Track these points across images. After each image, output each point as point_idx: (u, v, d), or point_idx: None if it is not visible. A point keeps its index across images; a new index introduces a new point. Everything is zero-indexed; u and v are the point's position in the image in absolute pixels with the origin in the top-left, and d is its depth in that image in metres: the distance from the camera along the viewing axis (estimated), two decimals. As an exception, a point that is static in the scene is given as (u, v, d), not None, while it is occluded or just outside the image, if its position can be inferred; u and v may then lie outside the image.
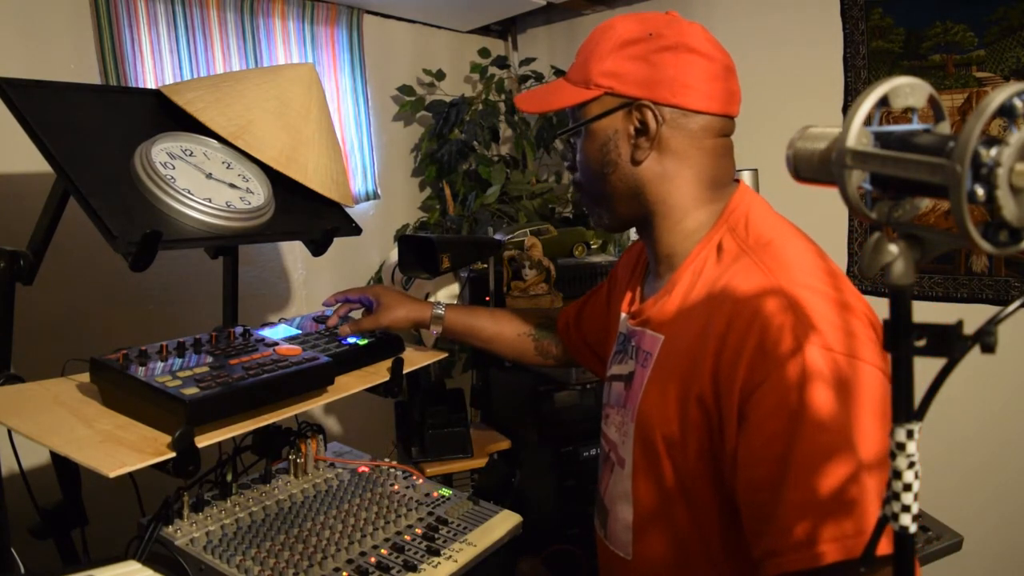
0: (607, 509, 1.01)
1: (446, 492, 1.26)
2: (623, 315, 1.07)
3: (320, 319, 1.35)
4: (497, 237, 1.83)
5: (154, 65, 1.87)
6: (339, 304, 1.36)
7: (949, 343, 0.46)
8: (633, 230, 1.20)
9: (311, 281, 2.33)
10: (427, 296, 1.74)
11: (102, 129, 1.19)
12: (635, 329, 1.00)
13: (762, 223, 0.92)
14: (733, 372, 0.80)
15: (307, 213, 1.37)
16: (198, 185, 1.20)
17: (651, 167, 0.94)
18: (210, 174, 1.24)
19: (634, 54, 0.90)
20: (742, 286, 0.84)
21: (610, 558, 1.01)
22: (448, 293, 1.84)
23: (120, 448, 0.90)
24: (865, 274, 2.14)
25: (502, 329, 1.36)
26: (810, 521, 0.71)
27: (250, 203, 1.25)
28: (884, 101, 0.50)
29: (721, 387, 0.81)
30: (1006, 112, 0.43)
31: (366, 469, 1.31)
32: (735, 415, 0.79)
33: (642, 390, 0.93)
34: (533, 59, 2.72)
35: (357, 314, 1.36)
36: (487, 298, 1.89)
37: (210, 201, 1.17)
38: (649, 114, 0.90)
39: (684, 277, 0.93)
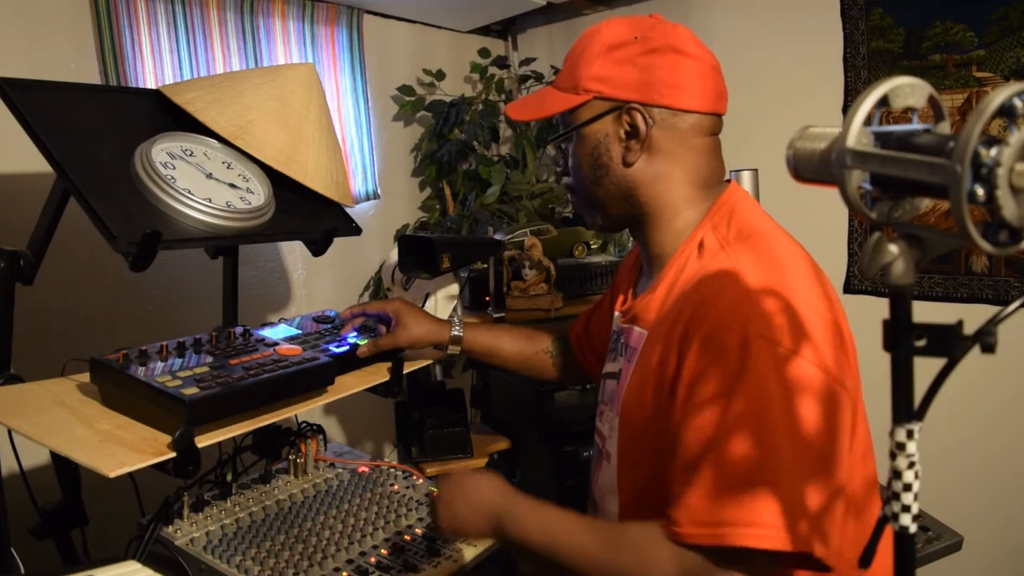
0: (596, 504, 1.03)
1: (446, 492, 1.26)
2: (616, 314, 1.09)
3: (320, 319, 1.35)
4: (497, 237, 1.82)
5: (154, 65, 1.87)
6: (353, 317, 1.30)
7: (949, 343, 0.46)
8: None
9: (311, 281, 2.33)
10: (427, 296, 1.74)
11: (102, 129, 1.19)
12: (624, 326, 1.02)
13: (745, 220, 0.93)
14: (687, 353, 0.82)
15: (307, 213, 1.37)
16: (198, 185, 1.20)
17: (642, 168, 0.94)
18: (210, 174, 1.24)
19: (621, 57, 0.92)
20: (712, 277, 0.86)
21: None
22: (448, 293, 1.84)
23: (120, 448, 0.90)
24: (865, 274, 2.13)
25: (523, 347, 1.35)
26: (714, 503, 0.74)
27: (250, 203, 1.25)
28: (884, 101, 0.50)
29: (682, 369, 0.83)
30: (1006, 112, 0.43)
31: (366, 469, 1.31)
32: (685, 394, 0.82)
33: (626, 384, 0.95)
34: (533, 59, 2.71)
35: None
36: (487, 298, 1.89)
37: (210, 201, 1.17)
38: (638, 116, 0.91)
39: (668, 274, 0.94)
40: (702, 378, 0.79)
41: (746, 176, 1.77)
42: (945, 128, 0.53)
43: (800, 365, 0.76)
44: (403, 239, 1.55)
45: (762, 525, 0.72)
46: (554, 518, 0.88)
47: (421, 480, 1.30)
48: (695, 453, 0.78)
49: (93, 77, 1.75)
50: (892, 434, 0.49)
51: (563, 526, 0.87)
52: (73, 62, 1.74)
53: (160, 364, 1.02)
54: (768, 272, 0.83)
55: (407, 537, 1.10)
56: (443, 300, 1.79)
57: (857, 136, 0.49)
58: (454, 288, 1.76)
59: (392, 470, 1.32)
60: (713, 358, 0.79)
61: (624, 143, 0.93)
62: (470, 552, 1.08)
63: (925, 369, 0.48)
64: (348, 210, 1.49)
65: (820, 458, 0.75)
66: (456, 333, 1.28)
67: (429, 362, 1.41)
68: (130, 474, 0.87)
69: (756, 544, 0.72)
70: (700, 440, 0.78)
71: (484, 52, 2.67)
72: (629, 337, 0.99)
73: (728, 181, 1.00)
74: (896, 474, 0.49)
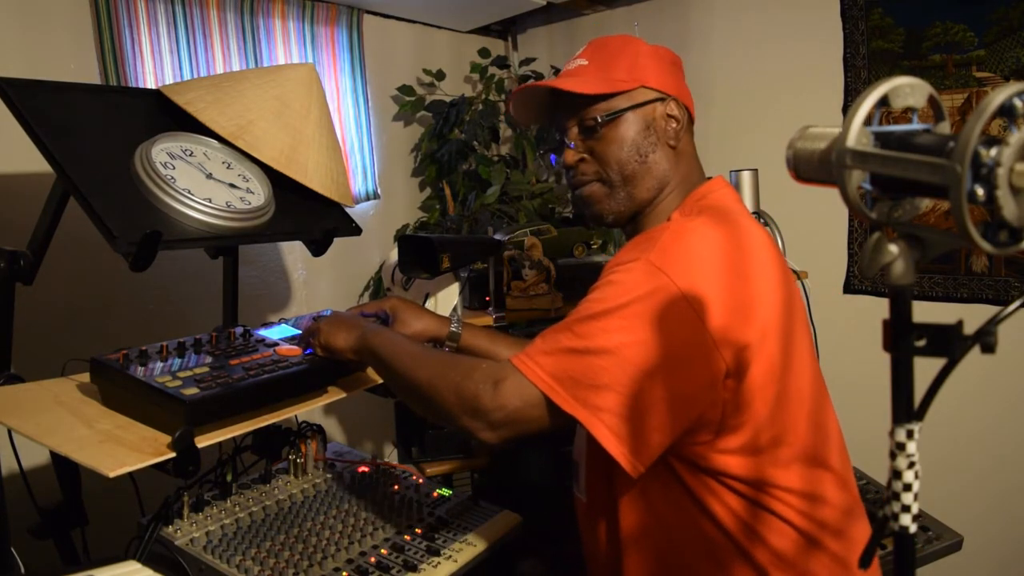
0: (577, 463, 1.09)
1: (446, 492, 1.26)
2: None
3: (321, 319, 1.35)
4: (497, 237, 1.82)
5: (154, 65, 1.87)
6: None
7: (949, 343, 0.46)
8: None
9: (311, 281, 2.33)
10: (427, 296, 1.74)
11: (102, 129, 1.19)
12: None
13: (713, 201, 1.00)
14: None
15: (307, 213, 1.37)
16: (198, 185, 1.20)
17: (678, 151, 1.05)
18: (210, 174, 1.24)
19: (660, 60, 1.05)
20: (661, 229, 0.93)
21: (578, 507, 1.10)
22: (448, 293, 1.84)
23: (120, 448, 0.90)
24: (865, 274, 2.13)
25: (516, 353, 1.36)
26: (541, 346, 0.89)
27: (250, 203, 1.25)
28: (884, 101, 0.50)
29: None
30: (1006, 112, 0.43)
31: (366, 469, 1.31)
32: None
33: None
34: (533, 59, 2.71)
35: None
36: (487, 298, 1.89)
37: (210, 201, 1.17)
38: (678, 107, 1.04)
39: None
40: (602, 275, 0.91)
41: (746, 176, 1.77)
42: (945, 128, 0.53)
43: (674, 299, 0.83)
44: (403, 239, 1.55)
45: (541, 368, 0.85)
46: (406, 340, 1.06)
47: (421, 480, 1.30)
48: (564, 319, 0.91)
49: (93, 77, 1.75)
50: (892, 434, 0.49)
51: (411, 344, 1.04)
52: (73, 62, 1.74)
53: (160, 364, 1.02)
54: (715, 237, 0.90)
55: (407, 537, 1.10)
56: (443, 300, 1.79)
57: (857, 136, 0.49)
58: (454, 288, 1.76)
59: (392, 470, 1.32)
60: (615, 262, 0.91)
61: (668, 127, 1.04)
62: (470, 552, 1.08)
63: (925, 369, 0.49)
64: (348, 210, 1.49)
65: (638, 360, 0.83)
66: (454, 330, 1.29)
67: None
68: (130, 474, 0.87)
69: (528, 376, 0.86)
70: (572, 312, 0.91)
71: (484, 52, 2.67)
72: None
73: (710, 178, 1.07)
74: (896, 474, 0.49)
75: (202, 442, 0.95)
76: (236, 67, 2.05)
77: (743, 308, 0.87)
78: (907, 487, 0.49)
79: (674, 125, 1.03)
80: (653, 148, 1.03)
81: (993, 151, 0.42)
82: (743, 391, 0.87)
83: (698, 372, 0.85)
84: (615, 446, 0.82)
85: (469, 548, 1.09)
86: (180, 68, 1.92)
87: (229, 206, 1.20)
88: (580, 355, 0.84)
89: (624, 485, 0.95)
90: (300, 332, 1.27)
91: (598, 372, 0.83)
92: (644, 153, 1.03)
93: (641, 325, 0.83)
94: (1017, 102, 0.43)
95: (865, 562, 0.52)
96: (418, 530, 1.12)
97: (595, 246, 2.11)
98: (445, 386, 0.91)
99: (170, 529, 1.02)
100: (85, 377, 1.06)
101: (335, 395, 1.17)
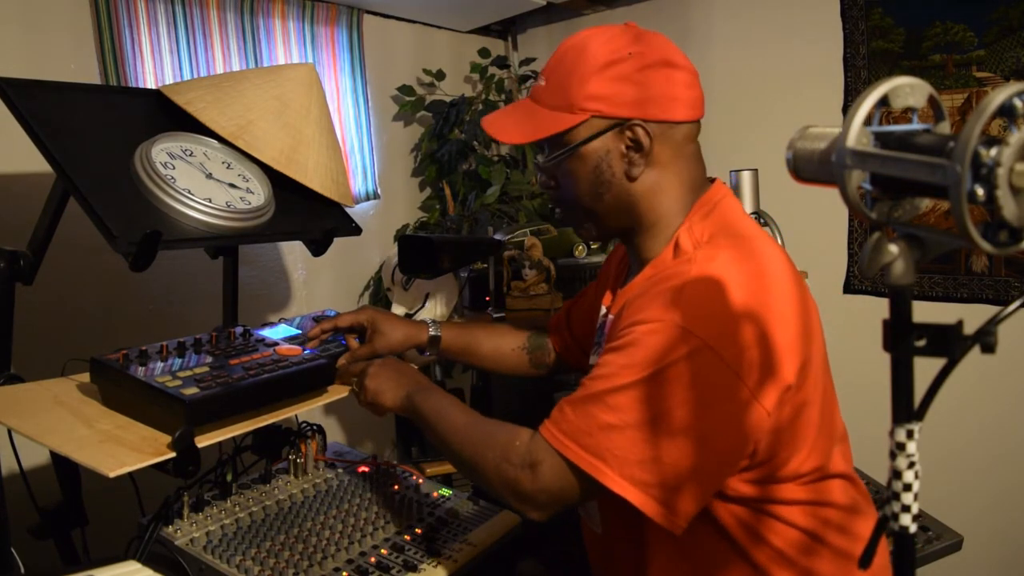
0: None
1: (446, 492, 1.26)
2: (603, 309, 1.10)
3: (320, 319, 1.35)
4: (497, 237, 1.82)
5: (154, 65, 1.87)
6: (323, 333, 1.25)
7: (949, 343, 0.46)
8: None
9: (311, 281, 2.33)
10: (427, 296, 1.74)
11: (102, 129, 1.19)
12: (604, 319, 1.07)
13: (720, 220, 0.94)
14: (618, 323, 0.91)
15: (307, 213, 1.37)
16: (198, 185, 1.20)
17: (643, 181, 0.95)
18: (210, 174, 1.24)
19: (618, 75, 0.91)
20: (676, 274, 0.88)
21: (590, 536, 1.08)
22: (448, 293, 1.84)
23: (120, 448, 0.90)
24: (865, 274, 2.13)
25: (497, 345, 1.35)
26: (576, 420, 0.85)
27: (250, 203, 1.25)
28: (884, 101, 0.50)
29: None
30: (1006, 112, 0.43)
31: (366, 469, 1.31)
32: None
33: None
34: (533, 59, 2.71)
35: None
36: (487, 298, 1.89)
37: (210, 201, 1.17)
38: (640, 132, 0.92)
39: (646, 271, 0.97)
40: (623, 331, 0.86)
41: (746, 176, 1.77)
42: (945, 128, 0.53)
43: (709, 361, 0.80)
44: (403, 239, 1.55)
45: (583, 448, 0.83)
46: (452, 402, 1.03)
47: (421, 480, 1.30)
48: (586, 383, 0.87)
49: (93, 77, 1.75)
50: (892, 434, 0.49)
51: (454, 410, 1.00)
52: (73, 62, 1.73)
53: (160, 364, 1.02)
54: (737, 276, 0.85)
55: (407, 537, 1.10)
56: (443, 300, 1.79)
57: (857, 136, 0.49)
58: (454, 288, 1.76)
59: (392, 470, 1.32)
60: (638, 319, 0.85)
61: (626, 158, 0.94)
62: (470, 552, 1.08)
63: (925, 369, 0.49)
64: (348, 210, 1.49)
65: (681, 428, 0.81)
66: (433, 334, 1.28)
67: (429, 362, 1.41)
68: (130, 474, 0.87)
69: (568, 456, 0.84)
70: (594, 375, 0.87)
71: (484, 52, 2.67)
72: (605, 326, 1.04)
73: (712, 180, 1.00)
74: (896, 474, 0.49)
75: (202, 442, 0.95)
76: (236, 67, 2.05)
77: (781, 355, 0.83)
78: (907, 487, 0.49)
79: (635, 155, 0.93)
80: (607, 187, 0.95)
81: (993, 151, 0.42)
82: (774, 436, 0.86)
83: (741, 430, 0.83)
84: (663, 516, 0.82)
85: (469, 548, 1.09)
86: (180, 68, 1.92)
87: (229, 206, 1.20)
88: (620, 431, 0.82)
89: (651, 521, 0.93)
90: (300, 332, 1.27)
91: (641, 446, 0.81)
92: (599, 192, 0.96)
93: (680, 391, 0.80)
94: (1017, 102, 0.43)
95: (865, 562, 0.52)
96: (418, 530, 1.12)
97: (595, 246, 2.11)
98: (487, 467, 0.90)
99: (170, 529, 1.02)
100: (85, 377, 1.06)
101: (335, 395, 1.17)
